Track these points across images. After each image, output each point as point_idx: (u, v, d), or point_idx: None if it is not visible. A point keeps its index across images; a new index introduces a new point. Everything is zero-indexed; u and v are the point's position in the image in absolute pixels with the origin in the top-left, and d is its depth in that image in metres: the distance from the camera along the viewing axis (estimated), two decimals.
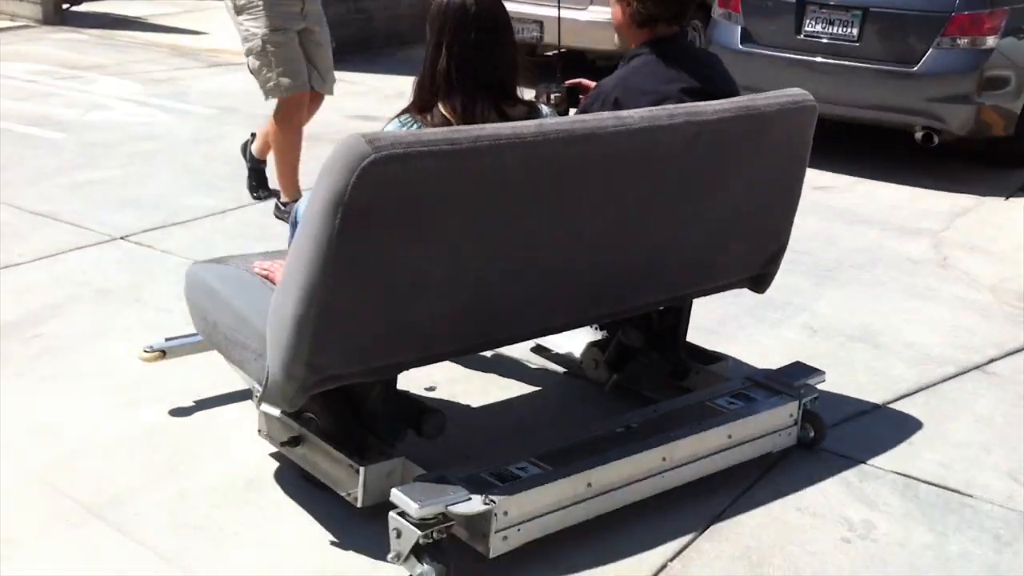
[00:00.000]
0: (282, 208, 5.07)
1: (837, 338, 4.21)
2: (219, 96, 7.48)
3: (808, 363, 3.53)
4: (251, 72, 4.90)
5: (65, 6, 9.94)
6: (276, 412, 2.96)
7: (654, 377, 3.60)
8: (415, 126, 2.84)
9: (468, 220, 2.65)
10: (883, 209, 5.83)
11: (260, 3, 4.75)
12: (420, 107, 2.91)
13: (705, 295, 3.44)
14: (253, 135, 5.47)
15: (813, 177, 6.06)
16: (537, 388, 3.73)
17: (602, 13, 7.91)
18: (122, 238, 4.82)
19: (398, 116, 2.92)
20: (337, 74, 5.36)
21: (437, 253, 2.63)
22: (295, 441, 2.97)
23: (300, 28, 4.89)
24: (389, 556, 2.64)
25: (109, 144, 6.24)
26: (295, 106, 4.97)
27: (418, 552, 2.60)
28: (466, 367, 3.73)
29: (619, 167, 2.86)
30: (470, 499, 2.63)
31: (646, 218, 3.02)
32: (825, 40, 6.42)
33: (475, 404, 3.57)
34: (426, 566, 2.60)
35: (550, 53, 9.21)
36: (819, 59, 6.42)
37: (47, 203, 5.20)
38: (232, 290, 3.01)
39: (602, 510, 2.87)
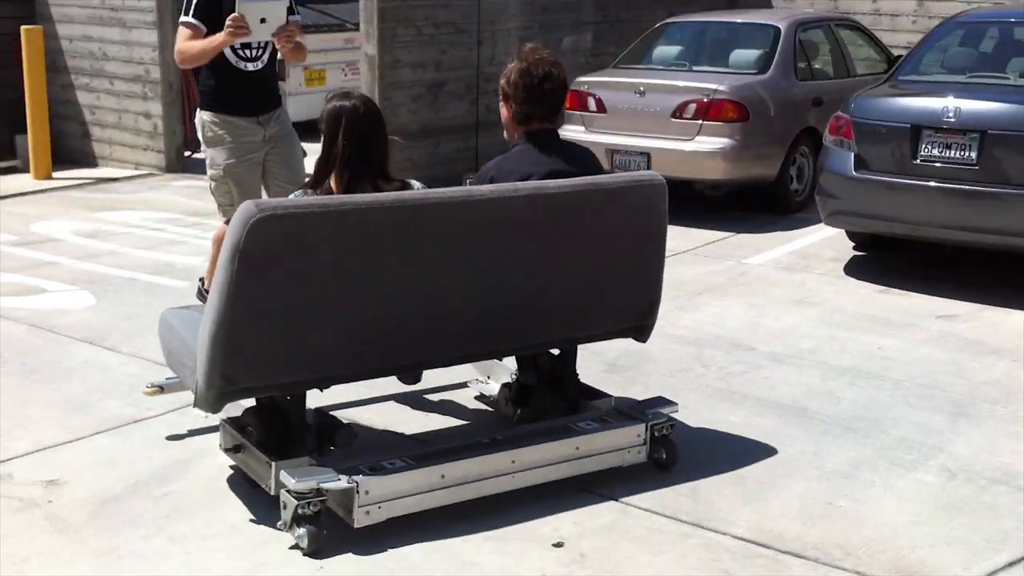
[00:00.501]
0: (204, 292, 5.50)
1: (978, 481, 4.02)
2: None
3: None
4: (211, 192, 5.47)
5: (187, 154, 10.36)
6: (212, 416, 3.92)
7: (552, 412, 4.26)
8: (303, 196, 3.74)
9: (343, 268, 3.52)
10: (1012, 338, 5.62)
11: (227, 138, 5.26)
12: (313, 184, 3.85)
13: (589, 341, 4.27)
14: (202, 280, 5.71)
15: (935, 306, 5.99)
16: (464, 422, 4.57)
17: (708, 144, 7.96)
18: None
19: (295, 190, 3.92)
20: None
21: (320, 292, 3.52)
22: (237, 448, 3.88)
23: (263, 152, 5.34)
24: (278, 524, 3.56)
25: None
26: None
27: (298, 520, 3.50)
28: (416, 408, 4.68)
29: (471, 230, 3.73)
30: (339, 479, 3.52)
31: (506, 272, 3.83)
32: (942, 164, 6.31)
33: (399, 429, 4.46)
34: (302, 529, 3.48)
35: None
36: (936, 184, 6.30)
37: None
38: (182, 325, 3.95)
39: (457, 499, 3.71)
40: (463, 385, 4.86)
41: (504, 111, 4.13)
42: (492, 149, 9.79)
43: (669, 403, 4.18)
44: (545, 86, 4.02)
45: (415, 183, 3.93)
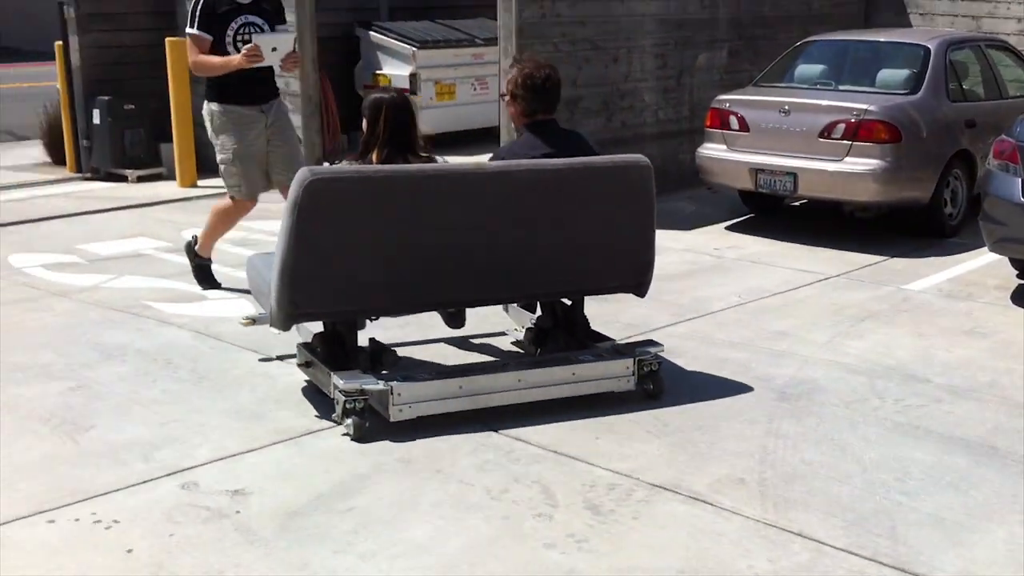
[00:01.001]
0: (192, 245, 6.60)
1: None
2: None
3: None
4: (221, 175, 6.43)
5: (325, 164, 10.49)
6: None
7: (565, 350, 5.12)
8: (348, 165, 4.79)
9: (380, 222, 4.55)
10: None
11: (231, 127, 6.24)
12: (359, 156, 4.91)
13: (595, 293, 5.32)
14: (195, 237, 6.64)
15: None
16: (494, 358, 5.48)
17: (858, 165, 7.78)
18: None
19: (343, 160, 5.00)
20: None
21: (361, 241, 4.53)
22: (308, 364, 4.97)
23: (264, 139, 6.34)
24: (333, 415, 4.61)
25: None
26: (241, 207, 6.49)
27: (346, 412, 4.51)
28: (460, 348, 5.63)
29: (483, 197, 4.73)
30: (377, 383, 4.55)
31: (515, 232, 4.78)
32: None
33: (439, 360, 5.43)
34: (349, 420, 4.49)
35: (797, 203, 9.10)
36: None
37: None
38: (263, 264, 4.94)
39: (470, 407, 4.65)
40: (501, 333, 5.81)
41: (512, 108, 5.12)
42: None
43: (655, 344, 5.13)
44: (547, 85, 5.06)
45: (439, 158, 4.97)
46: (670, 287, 6.84)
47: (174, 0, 10.96)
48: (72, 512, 3.83)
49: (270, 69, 6.30)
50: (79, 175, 10.64)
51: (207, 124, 6.36)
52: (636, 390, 4.91)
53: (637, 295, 5.21)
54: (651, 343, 5.15)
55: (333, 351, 4.82)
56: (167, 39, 10.05)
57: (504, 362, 5.13)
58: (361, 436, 4.45)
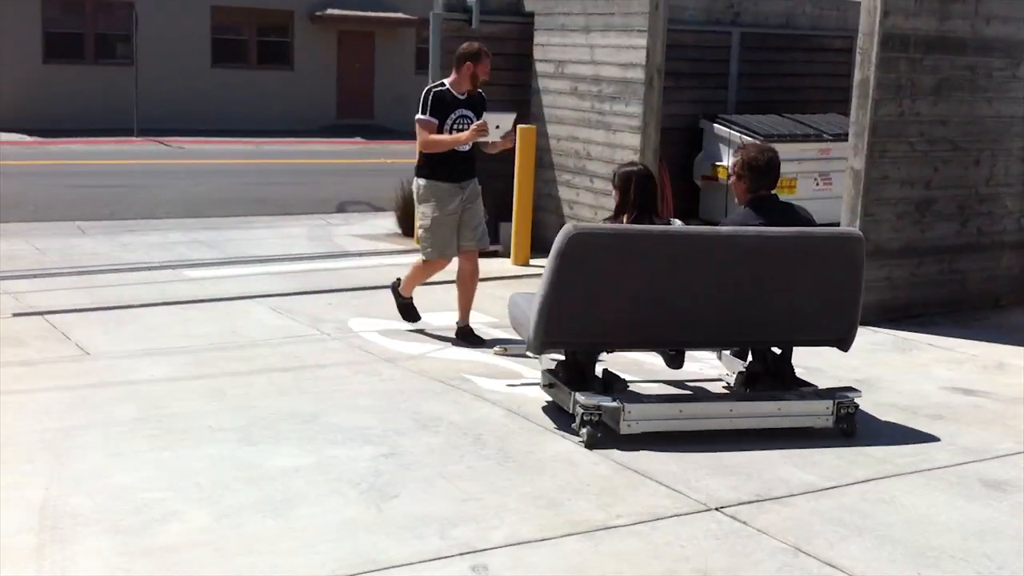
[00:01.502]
0: (396, 286, 7.73)
1: None
2: (803, 355, 7.24)
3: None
4: (418, 240, 7.59)
5: None
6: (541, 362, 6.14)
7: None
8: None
9: (626, 271, 5.46)
10: None
11: (433, 199, 7.28)
12: (613, 217, 6.12)
13: (803, 345, 6.08)
14: (398, 279, 7.72)
15: None
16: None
17: None
18: (717, 509, 4.64)
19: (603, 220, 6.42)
20: (927, 339, 7.69)
21: (609, 286, 5.46)
22: (551, 385, 5.89)
23: (460, 211, 7.33)
24: (572, 425, 5.46)
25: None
26: (434, 266, 7.52)
27: (583, 423, 5.38)
28: (677, 388, 6.41)
29: (713, 256, 5.61)
30: (612, 401, 5.43)
31: (740, 287, 5.61)
32: None
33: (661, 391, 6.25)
34: (584, 429, 5.35)
35: None
36: None
37: (643, 460, 5.20)
38: (523, 301, 5.87)
39: (690, 428, 5.49)
40: (716, 380, 6.54)
41: (738, 186, 6.06)
42: (979, 274, 9.01)
43: (854, 390, 5.77)
44: (769, 166, 6.00)
45: (676, 221, 6.41)
46: (1017, 411, 6.18)
47: (529, 90, 11.41)
48: None
49: (472, 154, 7.37)
50: None
51: (415, 195, 7.49)
52: (833, 428, 5.61)
53: (841, 350, 5.99)
54: (850, 389, 5.78)
55: (573, 376, 5.73)
56: (519, 126, 10.42)
57: (720, 394, 6.17)
58: (592, 444, 5.31)
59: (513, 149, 7.50)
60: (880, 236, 8.35)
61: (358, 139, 26.19)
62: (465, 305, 7.48)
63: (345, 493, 4.69)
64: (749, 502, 4.73)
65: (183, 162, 19.98)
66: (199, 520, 4.37)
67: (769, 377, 5.98)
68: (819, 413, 5.63)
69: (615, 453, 5.26)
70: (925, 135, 8.49)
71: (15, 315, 7.72)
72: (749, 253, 5.61)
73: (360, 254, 10.69)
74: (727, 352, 6.42)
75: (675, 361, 6.31)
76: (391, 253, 10.93)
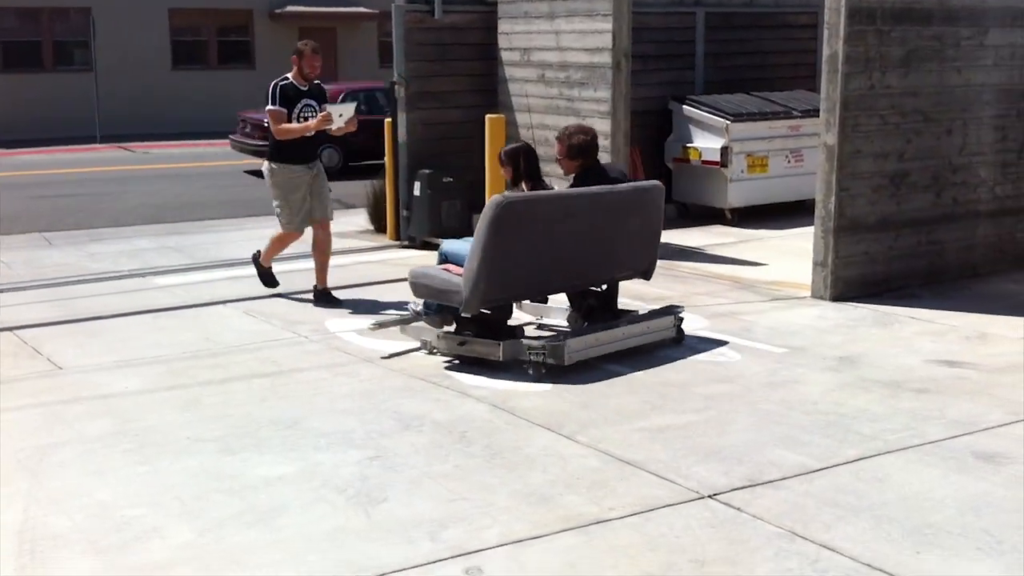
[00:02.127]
0: (256, 258, 8.77)
1: None
2: (786, 334, 7.22)
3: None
4: (276, 214, 8.47)
5: None
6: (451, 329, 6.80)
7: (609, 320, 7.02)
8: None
9: (543, 231, 6.52)
10: None
11: (285, 180, 8.29)
12: (512, 187, 7.10)
13: (623, 280, 7.30)
14: (258, 251, 8.72)
15: None
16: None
17: None
18: (710, 496, 4.57)
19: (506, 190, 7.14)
20: (908, 312, 7.76)
21: (530, 246, 6.45)
22: (463, 343, 6.54)
23: (306, 186, 8.33)
24: (525, 365, 6.34)
25: (683, 384, 6.15)
26: (290, 236, 8.54)
27: (533, 363, 6.30)
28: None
29: (593, 213, 6.82)
30: (556, 340, 6.48)
31: (600, 235, 6.80)
32: None
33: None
34: (533, 367, 6.29)
35: None
36: None
37: (632, 449, 5.13)
38: (436, 271, 6.72)
39: (603, 352, 6.59)
40: (537, 324, 7.53)
41: (571, 164, 7.13)
42: (956, 244, 8.99)
43: (679, 307, 7.20)
44: (594, 143, 7.19)
45: (554, 185, 7.63)
46: (1003, 380, 6.13)
47: (495, 79, 11.30)
48: None
49: (316, 138, 8.31)
50: (397, 243, 11.10)
51: (267, 177, 8.41)
52: (674, 337, 6.92)
53: (645, 279, 7.29)
54: (676, 307, 7.21)
55: (489, 329, 6.54)
56: (487, 116, 10.33)
57: (610, 324, 6.85)
58: (540, 378, 6.18)
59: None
60: (856, 210, 8.30)
61: None
62: (321, 269, 8.43)
63: (331, 500, 4.59)
64: (742, 487, 4.66)
65: (148, 167, 19.72)
66: (181, 535, 4.26)
67: (600, 310, 7.12)
68: (668, 327, 6.94)
69: (603, 444, 5.18)
70: (896, 107, 8.44)
71: None
72: (606, 208, 6.84)
73: (333, 252, 10.52)
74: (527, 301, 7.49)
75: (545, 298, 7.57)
76: (364, 251, 10.81)
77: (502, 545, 4.13)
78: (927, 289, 8.49)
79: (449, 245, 7.14)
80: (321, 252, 8.43)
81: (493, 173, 10.17)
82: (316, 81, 8.40)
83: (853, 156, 8.27)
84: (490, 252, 6.21)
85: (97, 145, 23.64)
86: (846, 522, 4.31)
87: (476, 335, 6.53)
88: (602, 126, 10.09)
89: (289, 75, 8.31)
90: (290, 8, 28.75)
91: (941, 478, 4.76)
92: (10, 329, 7.59)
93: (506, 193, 6.54)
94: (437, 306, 6.78)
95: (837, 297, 8.18)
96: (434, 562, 4.00)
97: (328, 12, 29.16)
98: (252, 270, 8.80)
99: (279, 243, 8.59)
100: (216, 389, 6.17)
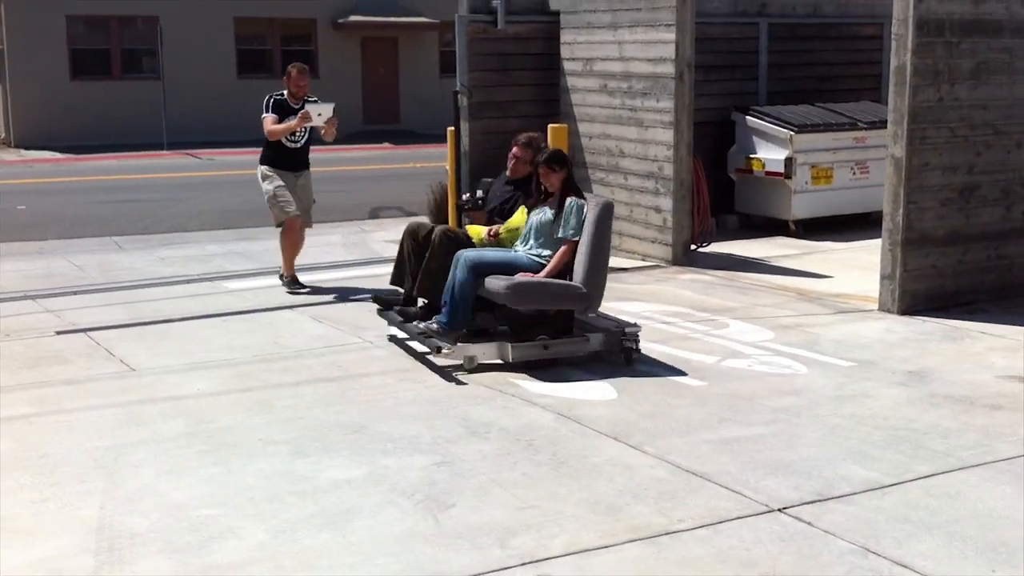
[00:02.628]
0: (283, 278, 9.30)
1: None
2: (853, 347, 7.16)
3: None
4: (273, 213, 9.24)
5: (693, 247, 10.37)
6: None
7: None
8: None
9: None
10: None
11: (272, 177, 9.16)
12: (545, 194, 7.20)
13: None
14: (280, 273, 9.34)
15: None
16: None
17: None
18: (780, 510, 4.56)
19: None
20: (978, 327, 7.64)
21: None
22: (546, 347, 6.76)
23: (294, 187, 9.17)
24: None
25: (750, 397, 6.12)
26: (290, 228, 9.14)
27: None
28: None
29: None
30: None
31: None
32: None
33: None
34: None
35: None
36: None
37: (699, 461, 5.12)
38: (543, 280, 6.82)
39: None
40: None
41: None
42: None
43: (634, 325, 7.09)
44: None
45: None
46: None
47: (557, 88, 11.33)
48: None
49: (304, 150, 9.22)
50: None
51: (260, 178, 9.26)
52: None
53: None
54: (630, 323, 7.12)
55: (557, 330, 6.80)
56: (550, 125, 10.36)
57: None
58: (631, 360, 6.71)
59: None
60: (924, 224, 8.21)
61: (385, 144, 26.18)
62: (290, 259, 9.22)
63: (400, 504, 4.64)
64: (812, 502, 4.63)
65: (214, 174, 20.04)
66: (255, 536, 4.33)
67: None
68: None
69: (671, 455, 5.18)
70: (965, 120, 8.35)
71: (58, 333, 7.73)
72: None
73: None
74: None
75: None
76: None
77: (570, 554, 4.15)
78: (996, 304, 8.37)
79: (484, 255, 6.92)
80: (292, 246, 9.20)
81: None
82: (306, 98, 9.21)
83: (921, 169, 8.18)
84: (605, 253, 6.77)
85: (164, 152, 24.06)
86: (918, 539, 4.27)
87: (551, 337, 6.68)
88: (665, 136, 10.11)
89: (284, 92, 9.24)
90: (353, 18, 29.05)
91: (1015, 496, 4.70)
92: (84, 331, 7.76)
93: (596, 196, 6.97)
94: (448, 322, 6.74)
95: (905, 311, 8.10)
96: (504, 569, 4.03)
97: (390, 22, 29.42)
98: (320, 275, 8.91)
99: (288, 244, 9.20)
100: (286, 392, 6.26)
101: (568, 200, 6.92)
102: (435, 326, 6.81)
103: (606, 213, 6.83)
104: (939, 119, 8.22)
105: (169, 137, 24.71)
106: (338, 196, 16.23)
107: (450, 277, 6.81)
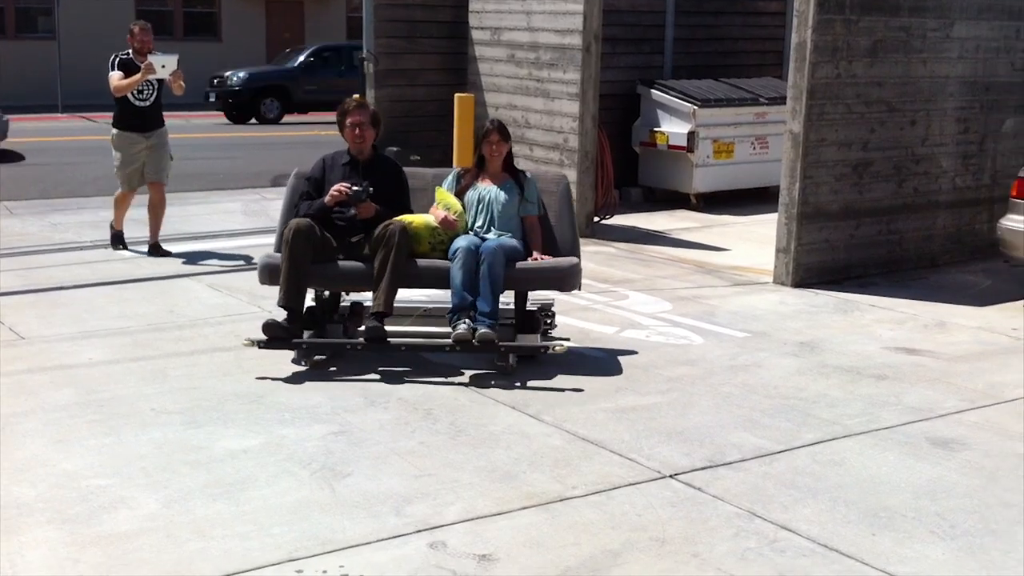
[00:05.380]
0: (113, 230, 9.45)
1: None
2: (748, 318, 7.31)
3: None
4: (116, 175, 9.33)
5: (596, 219, 10.45)
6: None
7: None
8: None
9: None
10: None
11: (121, 144, 9.18)
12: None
13: None
14: (111, 224, 9.47)
15: None
16: None
17: None
18: (672, 476, 4.65)
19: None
20: (868, 299, 7.81)
21: None
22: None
23: (142, 152, 9.16)
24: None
25: (646, 366, 6.22)
26: (126, 197, 9.37)
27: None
28: None
29: None
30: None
31: None
32: None
33: None
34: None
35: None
36: None
37: (595, 429, 5.19)
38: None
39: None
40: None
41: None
42: (916, 234, 9.12)
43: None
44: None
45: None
46: (959, 369, 6.26)
47: (465, 58, 11.29)
48: (321, 563, 3.82)
49: (154, 108, 9.13)
50: None
51: (112, 142, 9.24)
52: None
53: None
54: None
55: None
56: (456, 95, 10.33)
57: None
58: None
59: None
60: (819, 198, 8.41)
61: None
62: (155, 227, 9.25)
63: (296, 473, 4.61)
64: (703, 468, 4.74)
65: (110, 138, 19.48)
66: (147, 506, 4.27)
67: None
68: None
69: (567, 424, 5.24)
70: (861, 97, 8.55)
71: None
72: None
73: None
74: None
75: None
76: None
77: (466, 520, 4.18)
78: (887, 278, 8.63)
79: (502, 243, 6.29)
80: (154, 210, 9.23)
81: (461, 152, 10.18)
82: (150, 52, 9.10)
83: (818, 144, 8.37)
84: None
85: (59, 115, 23.36)
86: (804, 504, 4.40)
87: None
88: (571, 108, 10.15)
89: (130, 51, 9.15)
90: None
91: (897, 463, 4.86)
92: None
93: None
94: (496, 314, 6.12)
95: (798, 283, 8.29)
96: (399, 536, 4.04)
97: None
98: (217, 243, 8.77)
99: (120, 205, 9.39)
100: (181, 362, 6.16)
101: (526, 173, 6.69)
102: (484, 329, 5.98)
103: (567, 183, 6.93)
104: (836, 95, 8.41)
105: (64, 99, 24.00)
106: (238, 163, 15.98)
107: (462, 270, 6.08)
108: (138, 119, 9.13)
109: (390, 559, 3.86)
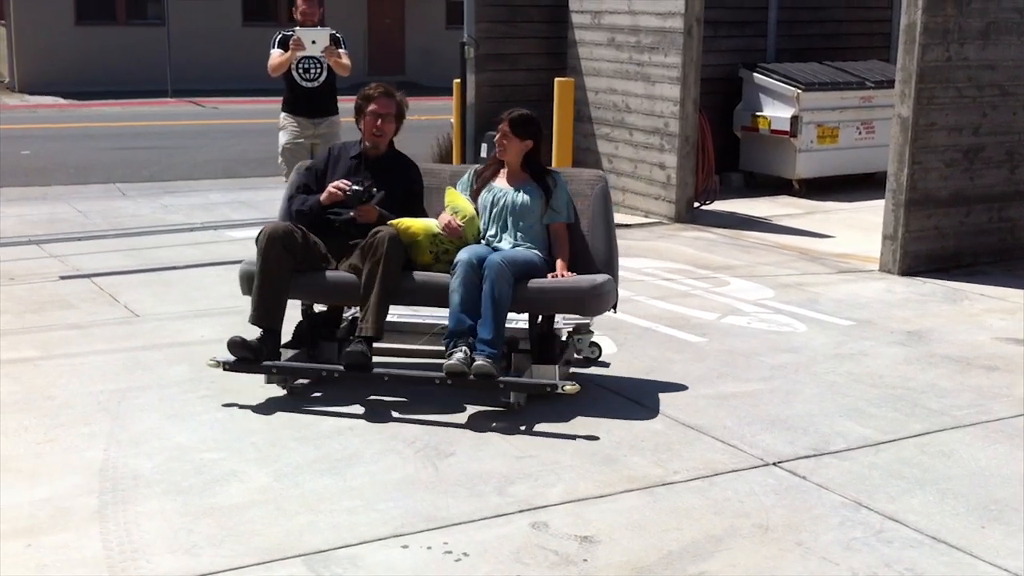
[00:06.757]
0: None
1: None
2: (853, 306, 7.20)
3: None
4: (279, 163, 8.40)
5: (696, 205, 10.38)
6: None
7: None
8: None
9: None
10: None
11: (287, 128, 8.23)
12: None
13: None
14: None
15: None
16: None
17: None
18: (775, 464, 4.62)
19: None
20: (978, 288, 7.62)
21: None
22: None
23: (309, 140, 8.15)
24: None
25: (749, 353, 6.17)
26: None
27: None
28: None
29: None
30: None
31: None
32: None
33: None
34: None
35: None
36: None
37: (696, 415, 5.17)
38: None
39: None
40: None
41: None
42: None
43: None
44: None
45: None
46: None
47: (565, 42, 11.28)
48: (426, 539, 3.89)
49: (322, 92, 8.14)
50: None
51: (278, 126, 8.37)
52: None
53: None
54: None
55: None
56: (556, 79, 10.33)
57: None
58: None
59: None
60: (928, 184, 8.22)
61: None
62: None
63: (401, 451, 4.70)
64: (807, 456, 4.70)
65: (218, 122, 20.00)
66: (258, 479, 4.40)
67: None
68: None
69: (669, 409, 5.23)
70: (973, 80, 8.32)
71: (62, 278, 7.77)
72: None
73: None
74: None
75: None
76: None
77: (567, 502, 4.21)
78: (997, 266, 8.40)
79: (515, 257, 5.34)
80: None
81: (560, 136, 10.20)
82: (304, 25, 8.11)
83: (927, 129, 8.17)
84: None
85: (168, 99, 23.99)
86: (911, 495, 4.33)
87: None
88: (671, 92, 10.08)
89: (295, 29, 8.15)
90: None
91: (1007, 455, 4.75)
92: (87, 276, 7.80)
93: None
94: (498, 342, 5.16)
95: (906, 271, 8.13)
96: (501, 515, 4.09)
97: None
98: None
99: None
100: None
101: (556, 176, 5.65)
102: (482, 360, 5.02)
103: (605, 184, 5.78)
104: (947, 79, 8.20)
105: (173, 84, 24.61)
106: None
107: (462, 287, 5.16)
108: (304, 102, 8.14)
109: (493, 537, 3.91)
